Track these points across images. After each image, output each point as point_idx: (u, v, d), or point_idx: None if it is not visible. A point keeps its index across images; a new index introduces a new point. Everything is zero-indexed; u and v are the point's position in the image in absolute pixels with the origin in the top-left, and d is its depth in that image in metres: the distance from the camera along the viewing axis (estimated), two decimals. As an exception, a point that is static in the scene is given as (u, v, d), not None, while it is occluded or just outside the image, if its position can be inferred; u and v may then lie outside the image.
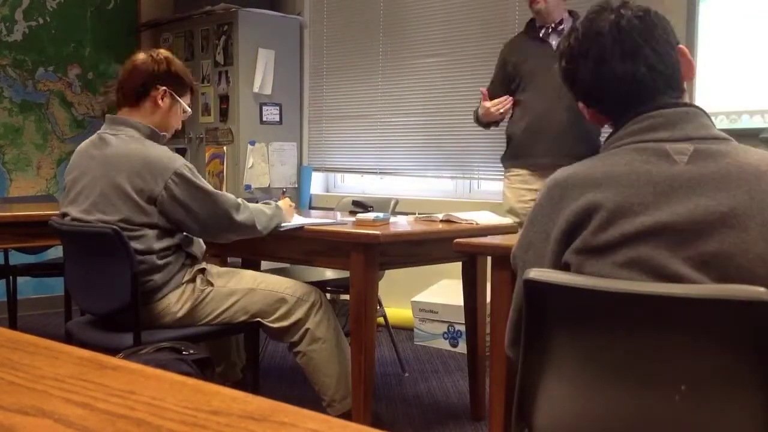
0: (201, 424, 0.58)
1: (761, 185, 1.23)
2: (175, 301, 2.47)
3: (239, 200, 2.55)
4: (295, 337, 2.62)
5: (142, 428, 0.57)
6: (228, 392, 0.66)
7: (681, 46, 1.42)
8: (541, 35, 3.40)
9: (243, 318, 2.57)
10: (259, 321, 2.59)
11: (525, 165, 3.41)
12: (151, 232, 2.39)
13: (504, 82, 3.47)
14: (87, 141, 2.56)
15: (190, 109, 2.63)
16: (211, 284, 2.53)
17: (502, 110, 3.37)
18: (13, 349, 0.85)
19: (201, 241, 2.63)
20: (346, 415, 2.58)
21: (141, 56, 2.53)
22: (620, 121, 1.38)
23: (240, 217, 2.51)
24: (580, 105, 1.48)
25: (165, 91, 2.50)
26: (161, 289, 2.45)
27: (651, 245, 1.23)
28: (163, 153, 2.44)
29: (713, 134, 1.31)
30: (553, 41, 3.33)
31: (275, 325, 2.59)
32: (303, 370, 2.68)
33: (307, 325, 2.61)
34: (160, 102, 2.50)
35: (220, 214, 2.47)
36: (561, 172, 1.38)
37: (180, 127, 2.66)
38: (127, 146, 2.43)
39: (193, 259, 2.57)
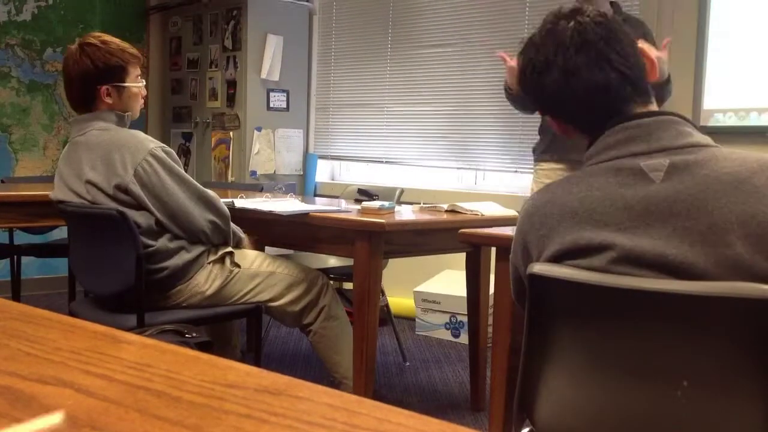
0: (218, 396, 0.59)
1: (739, 196, 1.18)
2: (204, 281, 2.50)
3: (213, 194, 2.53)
4: (309, 318, 2.68)
5: (161, 399, 0.58)
6: (242, 367, 0.67)
7: (641, 45, 1.38)
8: None
9: (260, 300, 2.61)
10: (268, 306, 2.63)
11: (561, 159, 3.01)
12: (147, 213, 2.39)
13: None
14: (61, 156, 2.54)
15: (141, 84, 2.54)
16: (238, 266, 2.57)
17: None
18: (27, 322, 0.86)
19: None
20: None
21: (69, 61, 2.46)
22: (595, 132, 1.34)
23: (214, 214, 2.50)
24: (548, 118, 1.44)
25: (106, 89, 2.45)
26: (188, 270, 2.47)
27: (635, 271, 1.21)
28: (134, 137, 2.42)
29: (691, 142, 1.26)
30: None
31: (288, 309, 2.65)
32: (315, 348, 2.74)
33: (323, 303, 2.68)
34: (107, 99, 2.46)
35: (190, 205, 2.44)
36: (538, 198, 1.35)
37: (143, 105, 2.61)
38: (98, 139, 2.42)
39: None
